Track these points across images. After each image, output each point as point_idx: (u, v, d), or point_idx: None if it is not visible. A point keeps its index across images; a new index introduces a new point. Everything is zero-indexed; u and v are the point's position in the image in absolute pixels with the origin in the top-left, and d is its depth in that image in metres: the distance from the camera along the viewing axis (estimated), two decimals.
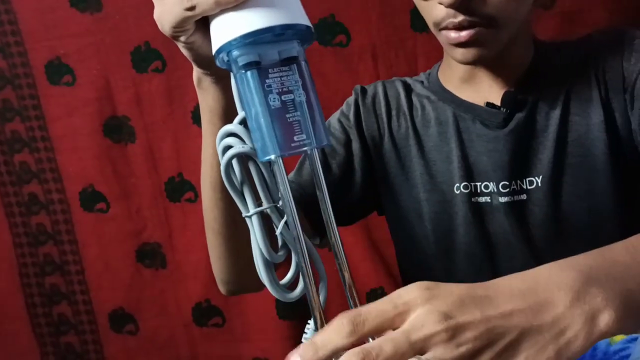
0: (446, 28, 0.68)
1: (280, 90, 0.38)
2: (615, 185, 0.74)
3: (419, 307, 0.35)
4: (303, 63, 0.39)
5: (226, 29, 0.38)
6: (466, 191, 0.77)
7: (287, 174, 0.40)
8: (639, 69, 0.70)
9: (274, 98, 0.37)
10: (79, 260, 1.37)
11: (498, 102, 0.75)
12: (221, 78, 0.56)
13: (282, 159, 0.38)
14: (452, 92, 0.80)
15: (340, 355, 0.33)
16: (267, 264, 0.43)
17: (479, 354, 0.34)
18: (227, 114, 0.58)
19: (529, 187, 0.75)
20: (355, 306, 0.40)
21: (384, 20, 1.12)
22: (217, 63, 0.41)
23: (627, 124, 0.73)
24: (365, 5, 1.12)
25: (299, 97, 0.38)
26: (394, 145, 0.82)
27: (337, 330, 0.35)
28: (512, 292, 0.37)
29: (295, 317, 1.30)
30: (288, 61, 0.39)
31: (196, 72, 0.57)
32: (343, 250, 0.40)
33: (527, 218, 0.75)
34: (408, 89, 0.84)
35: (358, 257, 1.22)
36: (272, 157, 0.37)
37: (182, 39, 0.48)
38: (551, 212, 0.74)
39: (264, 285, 0.76)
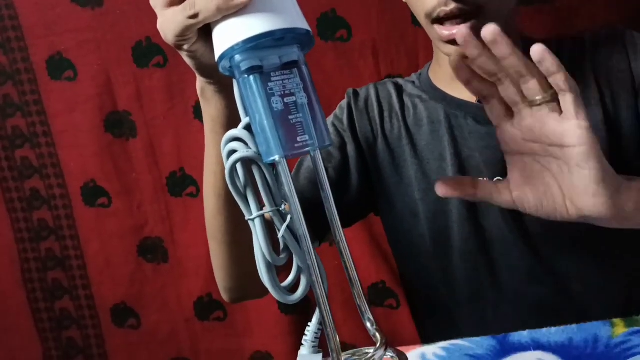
0: (438, 19, 0.68)
1: (282, 93, 0.39)
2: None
3: None
4: (304, 67, 0.41)
5: (228, 35, 0.40)
6: None
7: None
8: None
9: (277, 101, 0.38)
10: (80, 255, 1.37)
11: None
12: (224, 87, 0.57)
13: (285, 160, 0.39)
14: (443, 91, 0.81)
15: None
16: (269, 266, 0.43)
17: None
18: (230, 123, 0.59)
19: None
20: (361, 305, 0.41)
21: (384, 15, 1.12)
22: (220, 69, 0.42)
23: (633, 121, 0.73)
24: (366, 0, 1.12)
25: (301, 99, 0.39)
26: (388, 146, 0.82)
27: None
28: None
29: (297, 311, 1.31)
30: (289, 65, 0.40)
31: (199, 81, 0.57)
32: (349, 250, 0.41)
33: (523, 215, 0.75)
34: (399, 90, 0.85)
35: (358, 251, 1.22)
36: (276, 157, 0.38)
37: (185, 47, 0.49)
38: None
39: (267, 292, 0.76)
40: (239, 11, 0.40)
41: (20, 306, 1.41)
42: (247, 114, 0.41)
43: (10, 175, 1.34)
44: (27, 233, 1.37)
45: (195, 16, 0.43)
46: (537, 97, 0.55)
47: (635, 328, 0.58)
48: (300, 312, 1.31)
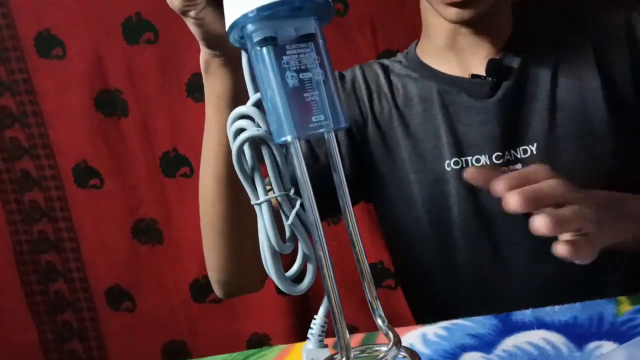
0: None
1: (298, 68, 0.36)
2: (617, 149, 0.72)
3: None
4: (321, 41, 0.38)
5: (241, 2, 0.36)
6: (457, 167, 0.75)
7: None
8: None
9: (292, 76, 0.36)
10: (74, 237, 1.36)
11: (482, 73, 0.74)
12: (230, 60, 0.54)
13: (298, 141, 0.36)
14: (433, 68, 0.79)
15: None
16: (275, 255, 0.41)
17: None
18: (235, 100, 0.56)
19: (523, 156, 0.73)
20: (372, 302, 0.39)
21: None
22: (230, 40, 0.39)
23: (628, 77, 0.72)
24: None
25: (317, 76, 0.36)
26: (378, 128, 0.80)
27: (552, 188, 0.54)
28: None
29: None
30: (305, 38, 0.37)
31: (204, 53, 0.54)
32: (359, 233, 0.39)
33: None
34: (386, 70, 0.82)
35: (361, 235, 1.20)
36: (289, 138, 0.36)
37: (192, 13, 0.46)
38: None
39: (261, 286, 0.75)
40: None
41: (14, 289, 1.39)
42: (257, 90, 0.38)
43: (0, 156, 1.32)
44: (19, 215, 1.35)
45: None
46: None
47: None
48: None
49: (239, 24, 0.37)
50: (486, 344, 0.56)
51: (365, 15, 1.11)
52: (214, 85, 0.57)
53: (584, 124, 0.72)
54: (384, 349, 0.38)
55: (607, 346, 0.52)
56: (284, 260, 0.42)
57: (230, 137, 0.40)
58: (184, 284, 1.35)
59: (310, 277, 0.42)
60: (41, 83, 1.26)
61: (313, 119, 0.36)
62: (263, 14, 0.36)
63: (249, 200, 0.42)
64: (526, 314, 0.59)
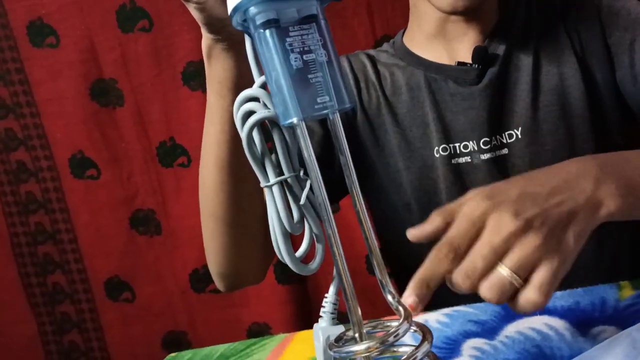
0: None
1: (301, 49, 0.36)
2: (595, 130, 0.73)
3: (490, 216, 0.42)
4: (323, 22, 0.38)
5: None
6: (445, 153, 0.76)
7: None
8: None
9: (296, 58, 0.36)
10: (71, 228, 1.35)
11: (468, 60, 0.75)
12: (233, 44, 0.53)
13: (304, 123, 0.36)
14: (420, 56, 0.79)
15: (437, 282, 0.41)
16: (286, 236, 0.41)
17: (546, 239, 0.41)
18: (237, 85, 0.55)
19: (509, 141, 0.75)
20: (381, 278, 0.39)
21: None
22: (233, 23, 0.39)
23: (605, 65, 0.73)
24: None
25: (321, 57, 0.37)
26: (367, 118, 0.80)
27: (440, 260, 0.42)
28: (553, 186, 0.45)
29: (293, 280, 1.29)
30: (307, 20, 0.37)
31: (206, 39, 0.54)
32: (368, 216, 0.40)
33: (510, 172, 0.75)
34: (373, 60, 0.83)
35: (354, 223, 1.19)
36: (295, 120, 0.36)
37: None
38: (534, 163, 0.74)
39: (262, 277, 0.75)
40: None
41: (12, 281, 1.39)
42: (262, 73, 0.38)
43: None
44: (15, 207, 1.35)
45: None
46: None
47: None
48: (297, 282, 1.30)
49: (241, 7, 0.37)
50: (488, 330, 0.56)
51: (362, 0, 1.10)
52: (216, 70, 0.56)
53: (565, 106, 0.73)
54: (395, 324, 0.37)
55: (610, 331, 0.51)
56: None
57: (238, 121, 0.41)
58: (183, 274, 1.34)
59: (319, 257, 0.42)
60: (35, 73, 1.24)
61: (318, 99, 0.36)
62: None
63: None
64: None
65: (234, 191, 0.64)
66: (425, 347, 0.37)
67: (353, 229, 1.19)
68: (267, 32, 0.36)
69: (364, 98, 0.80)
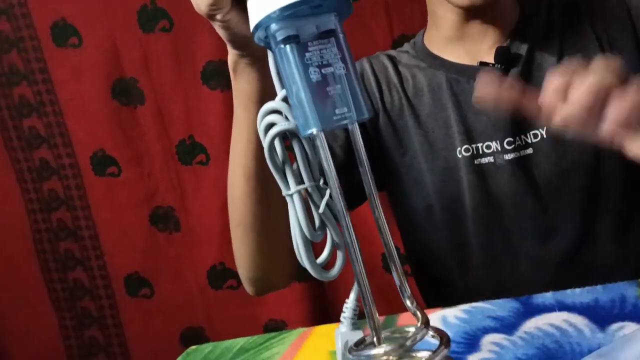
0: None
1: (320, 63, 0.37)
2: None
3: None
4: (341, 36, 0.39)
5: (264, 3, 0.38)
6: (467, 154, 0.75)
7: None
8: None
9: (314, 71, 0.37)
10: (92, 225, 1.37)
11: (491, 60, 0.74)
12: (257, 60, 0.55)
13: (323, 134, 0.38)
14: (440, 57, 0.79)
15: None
16: (307, 243, 0.43)
17: None
18: (262, 98, 0.57)
19: (534, 141, 0.74)
20: (401, 284, 0.40)
21: None
22: (255, 40, 0.41)
23: (634, 63, 0.72)
24: None
25: (339, 70, 0.38)
26: (389, 119, 0.80)
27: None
28: None
29: (310, 278, 1.29)
30: (326, 34, 0.38)
31: (231, 55, 0.56)
32: (386, 223, 0.41)
33: (534, 172, 0.74)
34: (394, 62, 0.82)
35: (370, 220, 1.20)
36: (314, 131, 0.37)
37: (219, 17, 0.47)
38: (559, 163, 0.73)
39: (291, 281, 0.76)
40: None
41: (34, 277, 1.41)
42: (283, 86, 0.40)
43: (19, 145, 1.33)
44: (38, 204, 1.37)
45: None
46: None
47: None
48: (313, 279, 1.30)
49: (262, 25, 0.38)
50: (507, 326, 0.56)
51: None
52: (242, 84, 0.58)
53: None
54: (412, 329, 0.38)
55: (630, 327, 0.52)
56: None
57: (261, 132, 0.42)
58: (201, 270, 1.36)
59: (340, 263, 0.43)
60: (58, 72, 1.26)
61: (337, 111, 0.37)
62: (285, 14, 0.37)
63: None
64: (546, 297, 0.59)
65: (261, 200, 0.64)
66: (443, 351, 0.38)
67: (370, 227, 1.20)
68: (287, 47, 0.37)
69: (386, 100, 0.80)
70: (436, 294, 0.89)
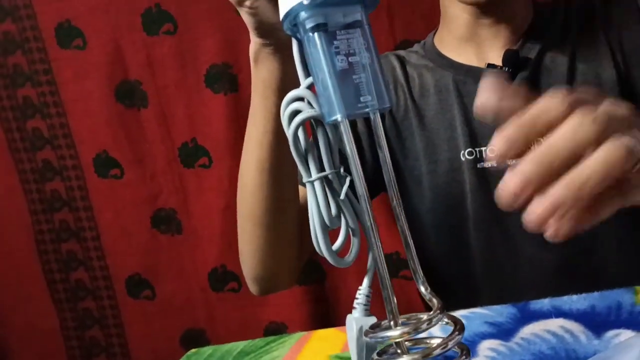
0: None
1: (347, 52, 0.39)
2: None
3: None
4: (367, 27, 0.40)
5: None
6: (471, 157, 0.75)
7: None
8: None
9: (341, 59, 0.39)
10: (94, 226, 1.37)
11: (499, 63, 0.74)
12: (279, 49, 0.55)
13: (347, 120, 0.39)
14: (449, 58, 0.79)
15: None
16: (325, 231, 0.44)
17: None
18: (281, 87, 0.58)
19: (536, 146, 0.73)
20: (415, 269, 0.42)
21: None
22: (284, 27, 0.42)
23: None
24: None
25: (364, 59, 0.39)
26: (394, 120, 0.80)
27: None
28: None
29: (311, 281, 1.30)
30: (352, 25, 0.40)
31: (254, 44, 0.56)
32: (403, 214, 0.42)
33: None
34: (402, 62, 0.83)
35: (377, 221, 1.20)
36: (338, 117, 0.38)
37: (248, 3, 0.48)
38: None
39: (295, 281, 0.76)
40: None
41: (36, 277, 1.42)
42: (307, 76, 0.41)
43: (22, 146, 1.34)
44: (40, 204, 1.38)
45: None
46: None
47: None
48: (315, 282, 1.31)
49: (292, 12, 0.40)
50: (504, 332, 0.56)
51: (382, 2, 1.10)
52: (262, 73, 0.58)
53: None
54: (425, 317, 0.39)
55: (626, 334, 0.52)
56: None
57: (285, 119, 0.43)
58: (202, 273, 1.36)
59: (355, 250, 0.45)
60: (62, 74, 1.27)
61: (361, 99, 0.39)
62: (315, 2, 0.38)
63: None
64: (544, 303, 0.59)
65: (273, 193, 0.65)
66: (457, 337, 0.39)
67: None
68: (316, 35, 0.38)
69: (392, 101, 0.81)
70: (443, 299, 0.90)
